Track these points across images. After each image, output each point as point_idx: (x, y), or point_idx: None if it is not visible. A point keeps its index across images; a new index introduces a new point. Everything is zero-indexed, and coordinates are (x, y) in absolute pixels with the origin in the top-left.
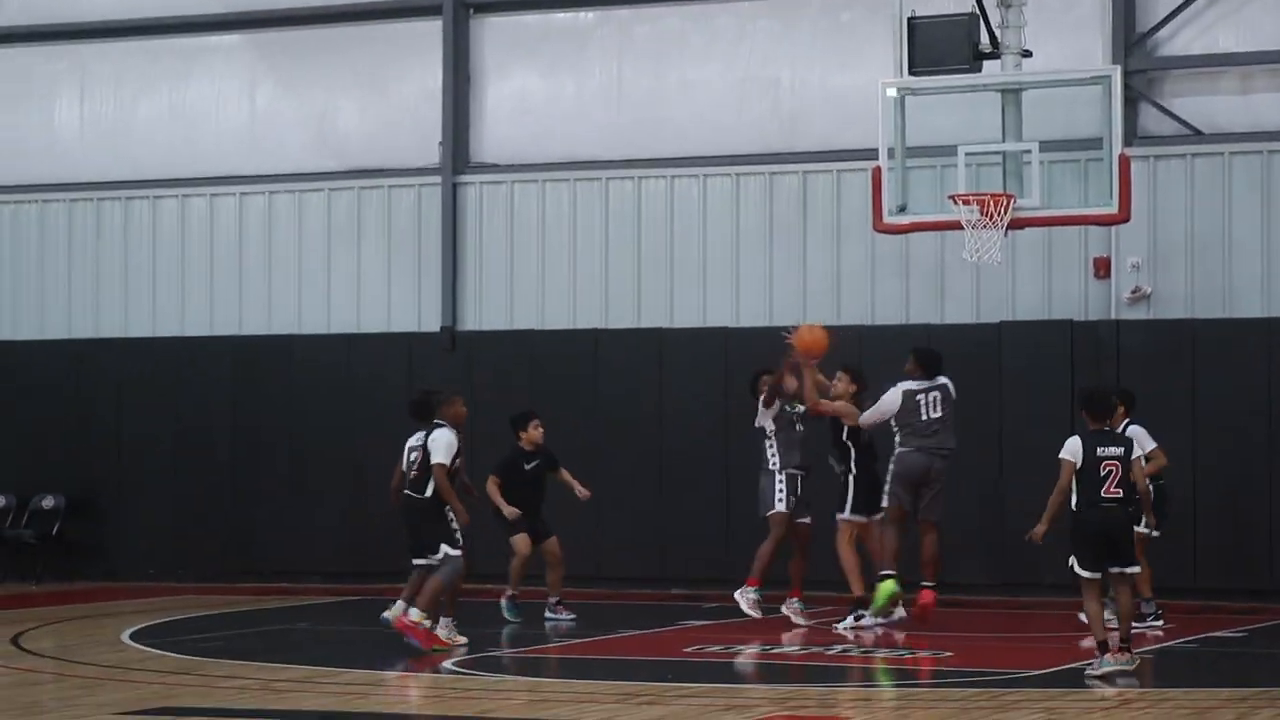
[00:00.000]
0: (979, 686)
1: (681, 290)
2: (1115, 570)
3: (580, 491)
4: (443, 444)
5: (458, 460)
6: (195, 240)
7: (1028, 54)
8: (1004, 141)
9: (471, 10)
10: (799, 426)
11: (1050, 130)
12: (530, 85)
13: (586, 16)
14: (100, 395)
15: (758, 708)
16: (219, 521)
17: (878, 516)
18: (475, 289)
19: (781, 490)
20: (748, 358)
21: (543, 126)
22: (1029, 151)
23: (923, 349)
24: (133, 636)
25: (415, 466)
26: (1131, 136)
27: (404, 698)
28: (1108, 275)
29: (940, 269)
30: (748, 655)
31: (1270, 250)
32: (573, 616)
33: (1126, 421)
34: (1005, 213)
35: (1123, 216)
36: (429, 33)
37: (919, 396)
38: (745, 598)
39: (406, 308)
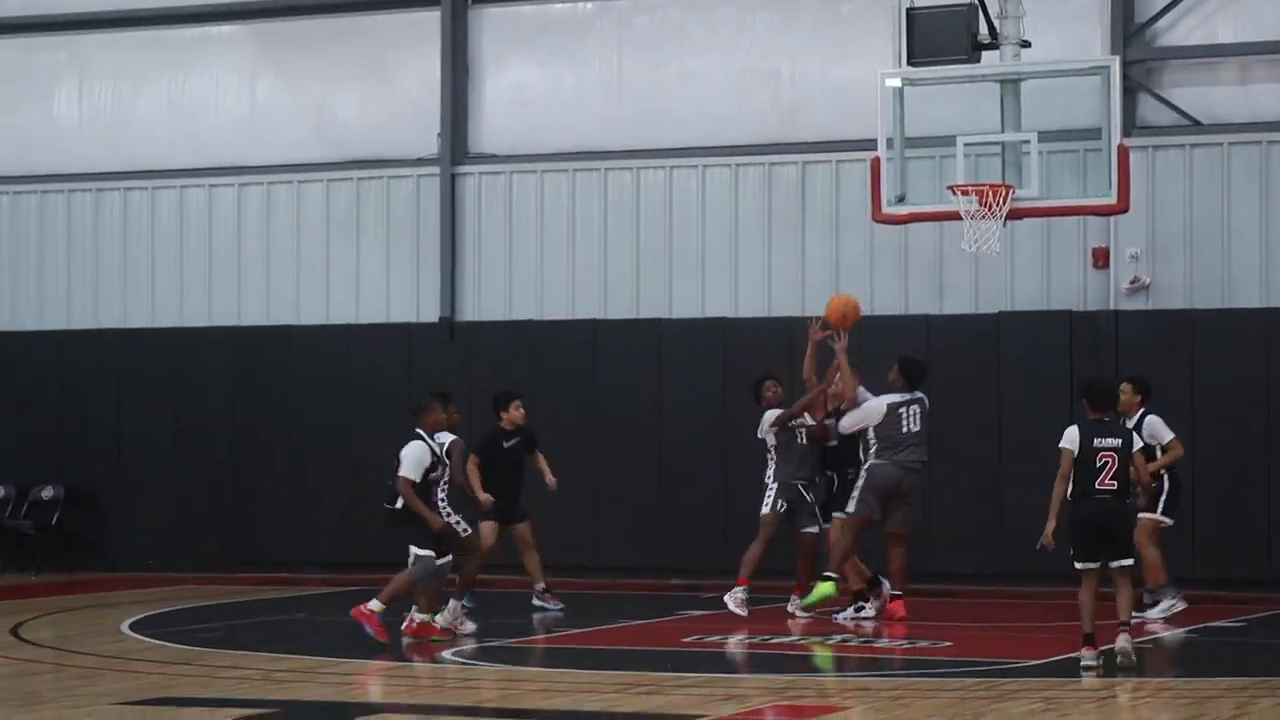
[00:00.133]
0: (977, 676)
1: (680, 281)
2: (1114, 565)
3: (549, 479)
4: (411, 458)
5: (439, 470)
6: (194, 231)
7: (1026, 44)
8: (1003, 132)
9: (470, 1)
10: (801, 439)
11: (1049, 120)
12: (529, 76)
13: (585, 7)
14: (99, 386)
15: (756, 698)
16: (218, 511)
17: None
18: (474, 279)
19: (771, 494)
20: (746, 348)
21: (542, 117)
22: (1028, 142)
23: (910, 360)
24: (132, 627)
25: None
26: (1130, 127)
27: (403, 688)
28: (1106, 266)
29: (939, 259)
30: (746, 645)
31: (1269, 241)
32: (561, 606)
33: (1142, 411)
34: (1004, 203)
35: (1121, 207)
36: (428, 24)
37: (901, 409)
38: (733, 598)
39: (405, 298)
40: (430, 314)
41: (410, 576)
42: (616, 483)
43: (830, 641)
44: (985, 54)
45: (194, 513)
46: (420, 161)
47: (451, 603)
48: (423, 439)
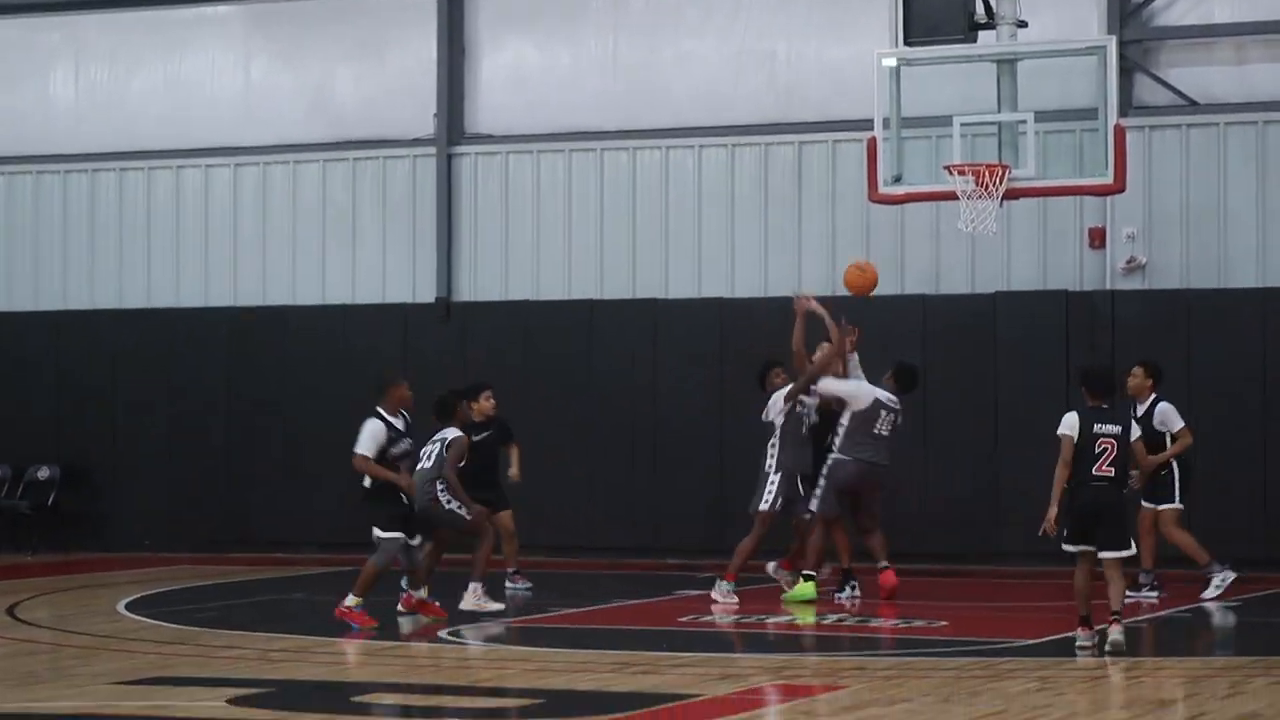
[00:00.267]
0: (973, 656)
1: (676, 261)
2: (1107, 555)
3: (513, 472)
4: (366, 434)
5: (400, 445)
6: (190, 211)
7: (1023, 24)
8: (999, 112)
9: None
10: (806, 427)
11: (1045, 101)
12: (525, 56)
13: None
14: (95, 366)
15: (753, 677)
16: (214, 491)
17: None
18: (470, 259)
19: (771, 490)
20: (743, 328)
21: (538, 97)
22: (1024, 122)
23: (906, 369)
24: (128, 606)
25: (428, 458)
26: (1127, 107)
27: (398, 667)
28: (1103, 245)
29: (935, 240)
30: (743, 625)
31: (1265, 220)
32: (529, 585)
33: (1154, 398)
34: (1000, 183)
35: (1118, 187)
36: (423, 4)
37: (883, 411)
38: (719, 590)
39: (401, 278)
40: (426, 294)
41: (376, 563)
42: (612, 463)
43: (826, 621)
44: (982, 34)
45: (190, 493)
46: (416, 142)
47: (471, 585)
48: (380, 417)
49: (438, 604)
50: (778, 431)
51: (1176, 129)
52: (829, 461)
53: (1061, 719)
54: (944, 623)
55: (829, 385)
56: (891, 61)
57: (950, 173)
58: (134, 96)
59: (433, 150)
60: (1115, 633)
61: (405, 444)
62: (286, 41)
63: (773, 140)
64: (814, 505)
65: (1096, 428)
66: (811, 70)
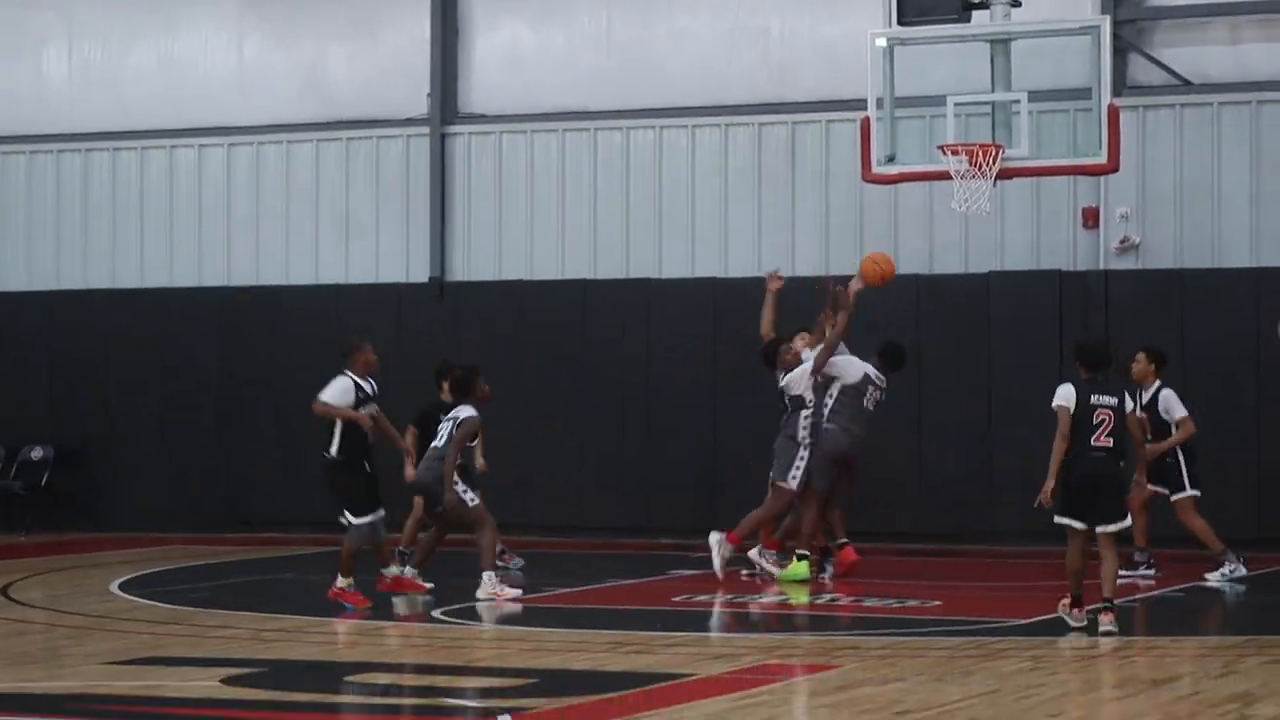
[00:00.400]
0: (966, 635)
1: (670, 240)
2: (1103, 530)
3: (479, 461)
4: (334, 387)
5: (369, 408)
6: (183, 191)
7: (1017, 4)
8: (993, 92)
9: None
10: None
11: (1039, 80)
12: (519, 35)
13: None
14: (88, 346)
15: (746, 656)
16: (207, 472)
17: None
18: (463, 239)
19: (800, 465)
20: (736, 308)
21: (531, 77)
22: (1018, 102)
23: (894, 348)
24: (121, 587)
25: (440, 436)
26: (1120, 87)
27: (392, 647)
28: (1096, 225)
29: (929, 219)
30: (736, 605)
31: (1259, 200)
32: (520, 561)
33: (1158, 384)
34: (994, 163)
35: (1111, 167)
36: None
37: (869, 388)
38: (722, 549)
39: (395, 258)
40: (420, 274)
41: (350, 544)
42: (605, 443)
43: (819, 601)
44: (975, 13)
45: (183, 473)
46: (410, 121)
47: (485, 574)
48: (349, 377)
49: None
50: (810, 403)
51: (1170, 109)
52: (818, 435)
53: (1054, 698)
54: (937, 602)
55: (822, 367)
56: (885, 41)
57: (944, 152)
58: (127, 76)
59: (426, 130)
60: (1106, 623)
61: (372, 407)
62: (280, 21)
63: (766, 120)
64: (794, 479)
65: (1093, 399)
66: (805, 48)
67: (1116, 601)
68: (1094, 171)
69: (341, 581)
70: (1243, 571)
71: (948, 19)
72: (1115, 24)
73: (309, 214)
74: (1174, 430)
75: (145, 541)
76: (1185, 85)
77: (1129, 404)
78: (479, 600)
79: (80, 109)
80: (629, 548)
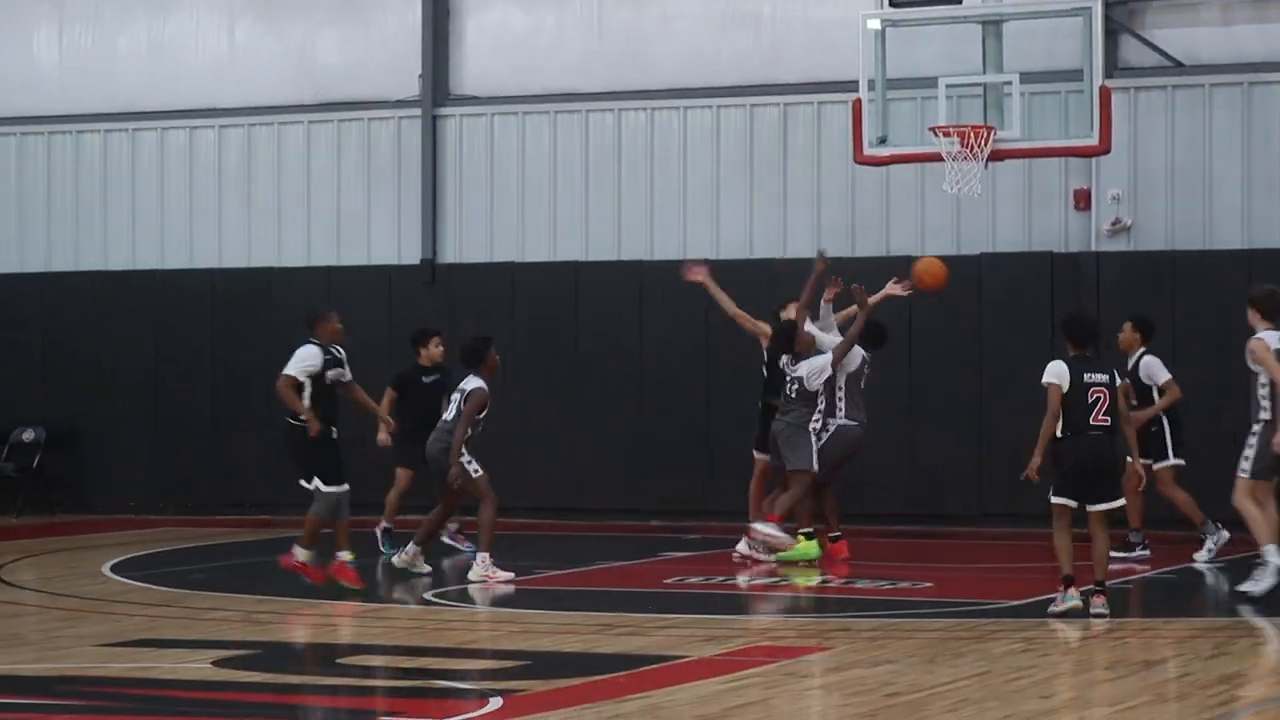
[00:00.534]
0: (958, 617)
1: (661, 222)
2: (1096, 508)
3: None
4: (296, 357)
5: (337, 370)
6: (174, 173)
7: None
8: (984, 73)
9: None
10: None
11: (1031, 62)
12: (510, 17)
13: None
14: (80, 328)
15: (738, 639)
16: (199, 454)
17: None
18: (455, 221)
19: (814, 449)
20: (728, 289)
21: (523, 59)
22: (1009, 83)
23: (875, 327)
24: (114, 569)
25: (451, 409)
26: (1112, 68)
27: (383, 629)
28: (1088, 207)
29: (920, 201)
30: (728, 587)
31: (1250, 182)
32: (472, 547)
33: (1142, 350)
34: (986, 144)
35: (1103, 148)
36: None
37: (866, 368)
38: (768, 529)
39: (386, 240)
40: (412, 256)
41: (318, 514)
42: (597, 425)
43: (811, 583)
44: None
45: (175, 455)
46: (401, 103)
47: (479, 555)
48: (314, 343)
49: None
50: (822, 400)
51: (1162, 90)
52: (832, 428)
53: (1046, 680)
54: (928, 584)
55: (839, 360)
56: (876, 23)
57: (935, 134)
58: (118, 58)
59: (418, 112)
60: (1098, 606)
61: (341, 370)
62: (271, 3)
63: (758, 101)
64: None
65: (1086, 377)
66: (797, 30)
67: (1108, 584)
68: (1085, 153)
69: (301, 554)
70: (1225, 536)
71: (939, 1)
72: (1107, 5)
73: (300, 196)
74: (1157, 397)
75: (137, 523)
76: (1177, 67)
77: (1119, 379)
78: (471, 582)
79: (71, 91)
80: (621, 530)
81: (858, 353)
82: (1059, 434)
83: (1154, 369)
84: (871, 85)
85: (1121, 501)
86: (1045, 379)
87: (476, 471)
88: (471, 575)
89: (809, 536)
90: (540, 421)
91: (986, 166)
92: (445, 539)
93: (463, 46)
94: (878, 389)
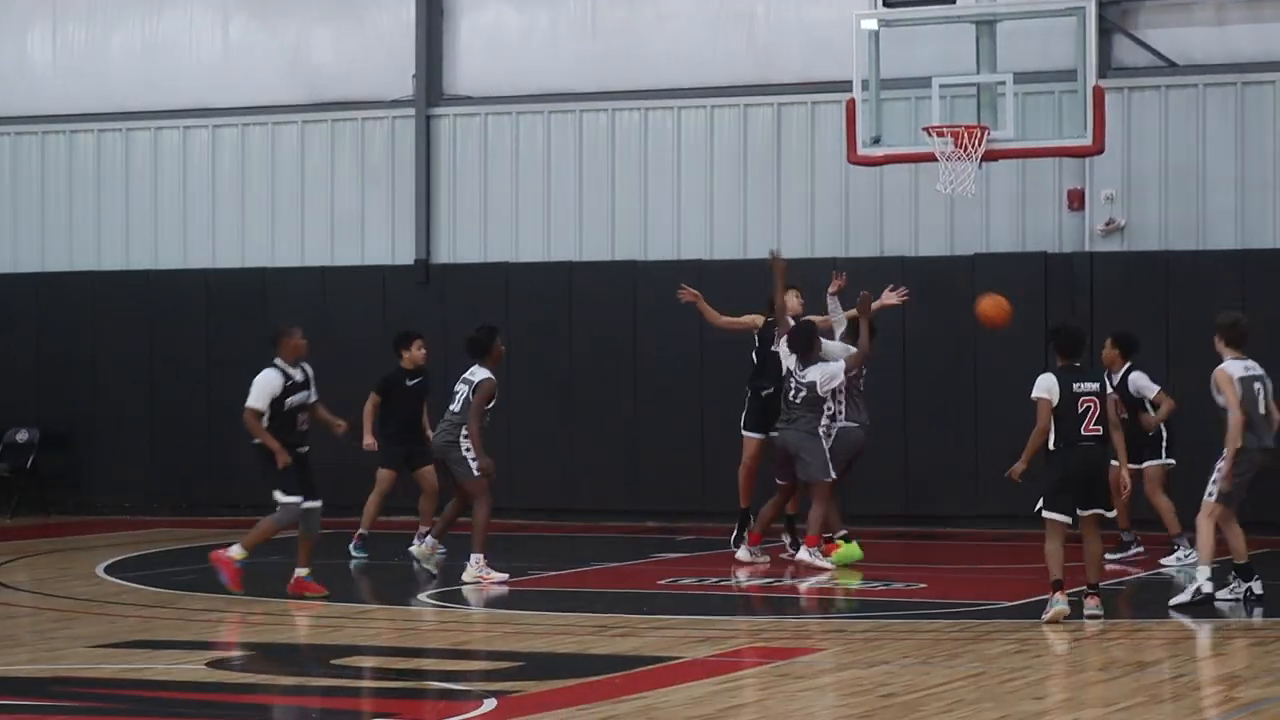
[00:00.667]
0: (952, 618)
1: (655, 222)
2: (1091, 513)
3: (430, 434)
4: (257, 386)
5: (297, 396)
6: (168, 173)
7: None
8: (978, 73)
9: None
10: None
11: (1024, 62)
12: (504, 17)
13: None
14: (74, 327)
15: (732, 640)
16: (194, 454)
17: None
18: (449, 221)
19: (829, 455)
20: (722, 290)
21: (517, 59)
22: (1003, 83)
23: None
24: (108, 570)
25: (457, 400)
26: (1106, 68)
27: (377, 630)
28: (1082, 207)
29: (914, 201)
30: (722, 588)
31: (1244, 182)
32: (444, 550)
33: (1128, 366)
34: (979, 144)
35: (1097, 148)
36: None
37: (862, 370)
38: (806, 553)
39: (380, 240)
40: (405, 256)
41: (273, 523)
42: (592, 425)
43: (805, 585)
44: None
45: (170, 456)
46: (395, 103)
47: (473, 556)
48: (277, 368)
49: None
50: (838, 398)
51: (1155, 90)
52: (834, 431)
53: (1040, 681)
54: (923, 585)
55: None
56: (871, 23)
57: (929, 134)
58: (112, 57)
59: (411, 112)
60: (1091, 607)
61: (303, 395)
62: (265, 2)
63: (751, 102)
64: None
65: (1076, 387)
66: (790, 30)
67: (1101, 585)
68: (1079, 153)
69: (236, 550)
70: (1195, 558)
71: (933, 1)
72: (1100, 5)
73: (294, 196)
74: (1149, 408)
75: (132, 524)
76: (1170, 67)
77: (1117, 375)
78: (465, 583)
79: (65, 90)
80: (615, 531)
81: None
82: (1051, 445)
83: (1142, 383)
84: (865, 85)
85: (1114, 513)
86: (1034, 394)
87: (479, 473)
88: (466, 576)
89: (846, 540)
90: (534, 422)
91: (980, 167)
92: (416, 540)
93: (456, 46)
94: (872, 390)
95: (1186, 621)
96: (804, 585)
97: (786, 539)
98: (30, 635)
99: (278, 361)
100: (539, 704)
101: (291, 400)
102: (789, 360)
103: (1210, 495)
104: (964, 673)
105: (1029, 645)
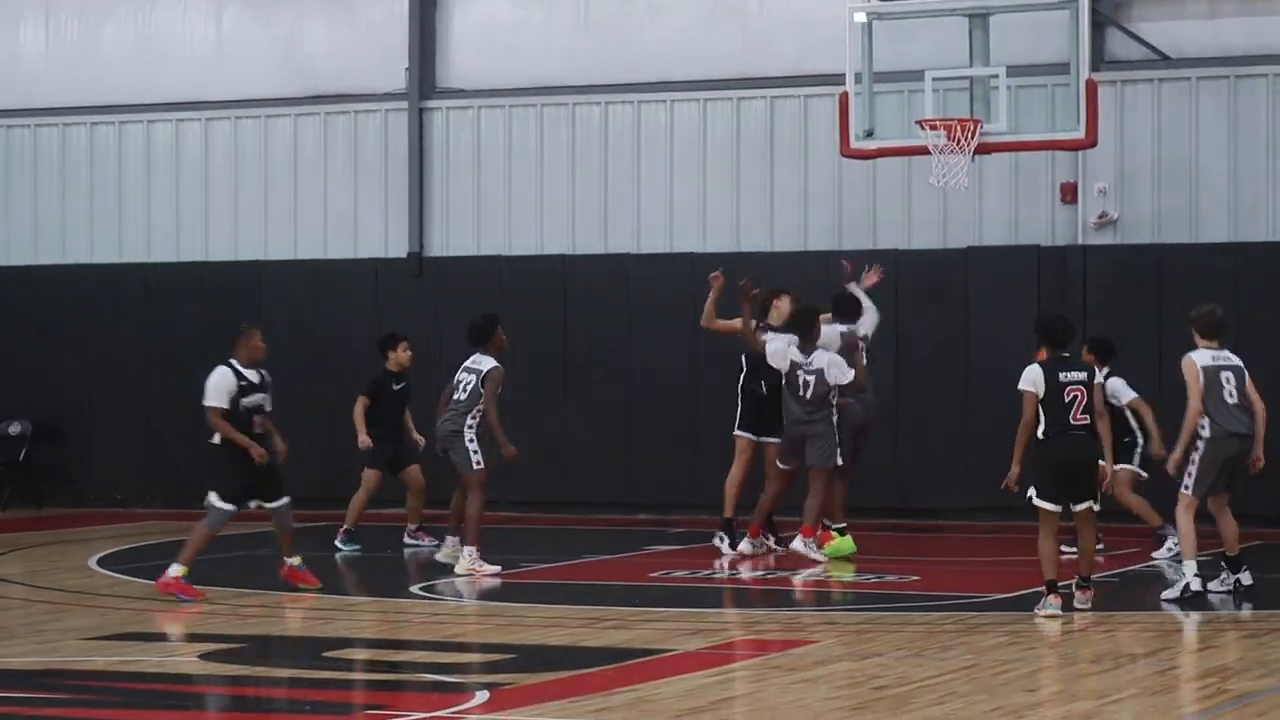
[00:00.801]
0: (944, 610)
1: (648, 216)
2: (1081, 507)
3: (415, 436)
4: (212, 384)
5: (253, 397)
6: (161, 166)
7: None
8: (971, 66)
9: None
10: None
11: (1018, 55)
12: (497, 10)
13: None
14: (67, 321)
15: (724, 632)
16: (185, 447)
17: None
18: (442, 215)
19: (838, 446)
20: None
21: (509, 51)
22: (996, 76)
23: (844, 298)
24: (100, 562)
25: (462, 389)
26: (1099, 62)
27: (369, 622)
28: (1074, 200)
29: (907, 194)
30: (714, 580)
31: (1236, 175)
32: (435, 543)
33: (1107, 371)
34: (972, 138)
35: (1090, 142)
36: None
37: (860, 344)
38: (801, 543)
39: (373, 233)
40: (399, 249)
41: (207, 529)
42: (585, 418)
43: (797, 577)
44: None
45: (161, 448)
46: (388, 96)
47: (465, 549)
48: (230, 367)
49: (310, 572)
50: (835, 396)
51: (1148, 84)
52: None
53: (1032, 673)
54: (915, 577)
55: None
56: (863, 16)
57: (922, 127)
58: (104, 49)
59: (404, 105)
60: (1082, 600)
61: (258, 397)
62: None
63: (744, 95)
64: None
65: (1062, 376)
66: (783, 23)
67: (1093, 577)
68: (1072, 146)
69: (176, 569)
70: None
71: None
72: None
73: (287, 189)
74: (1129, 416)
75: (124, 517)
76: (1163, 60)
77: (1098, 376)
78: (457, 576)
79: (57, 83)
80: (607, 523)
81: (834, 330)
82: (1040, 435)
83: (1119, 389)
84: (858, 78)
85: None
86: (1020, 386)
87: (479, 464)
88: (458, 569)
89: (841, 533)
90: (526, 414)
91: (973, 160)
92: (406, 539)
93: (449, 39)
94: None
95: (1178, 614)
96: (797, 578)
97: (771, 539)
98: (22, 628)
99: (232, 361)
100: (531, 696)
101: (246, 401)
102: (790, 355)
103: (1186, 488)
104: (956, 665)
105: (1021, 637)
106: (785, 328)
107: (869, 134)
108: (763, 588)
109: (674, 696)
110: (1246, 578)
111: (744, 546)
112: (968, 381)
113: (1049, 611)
